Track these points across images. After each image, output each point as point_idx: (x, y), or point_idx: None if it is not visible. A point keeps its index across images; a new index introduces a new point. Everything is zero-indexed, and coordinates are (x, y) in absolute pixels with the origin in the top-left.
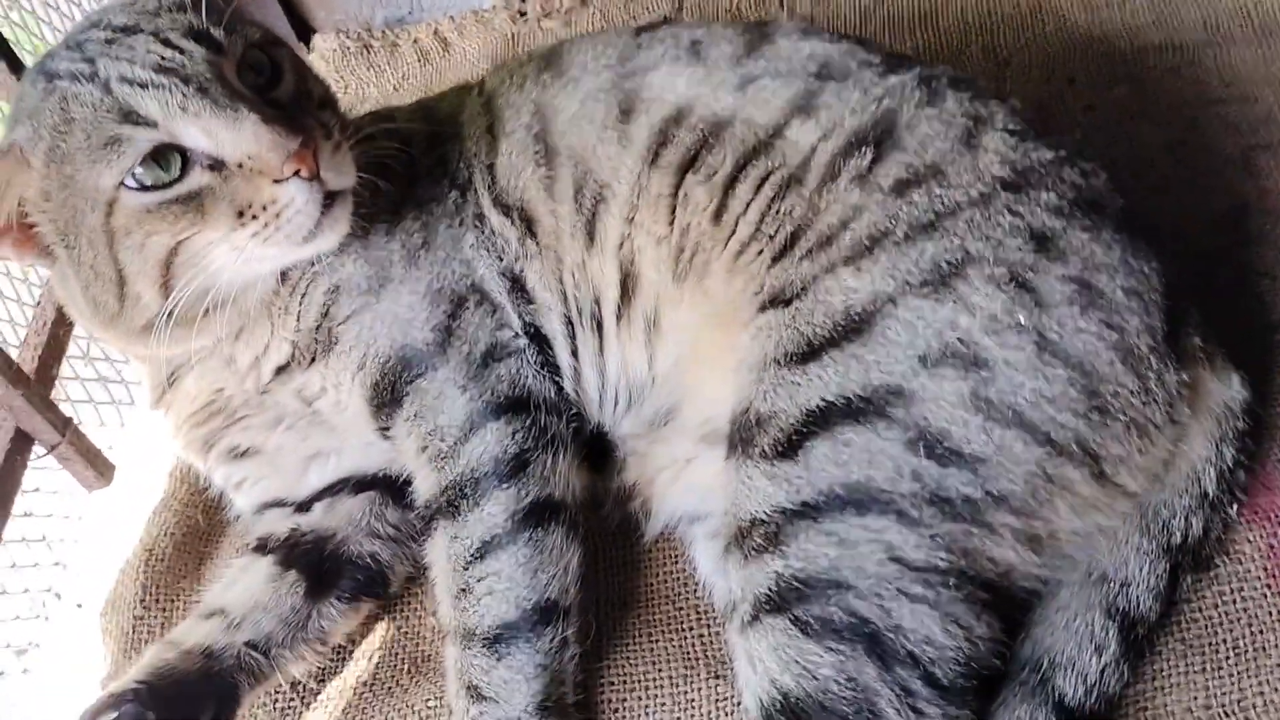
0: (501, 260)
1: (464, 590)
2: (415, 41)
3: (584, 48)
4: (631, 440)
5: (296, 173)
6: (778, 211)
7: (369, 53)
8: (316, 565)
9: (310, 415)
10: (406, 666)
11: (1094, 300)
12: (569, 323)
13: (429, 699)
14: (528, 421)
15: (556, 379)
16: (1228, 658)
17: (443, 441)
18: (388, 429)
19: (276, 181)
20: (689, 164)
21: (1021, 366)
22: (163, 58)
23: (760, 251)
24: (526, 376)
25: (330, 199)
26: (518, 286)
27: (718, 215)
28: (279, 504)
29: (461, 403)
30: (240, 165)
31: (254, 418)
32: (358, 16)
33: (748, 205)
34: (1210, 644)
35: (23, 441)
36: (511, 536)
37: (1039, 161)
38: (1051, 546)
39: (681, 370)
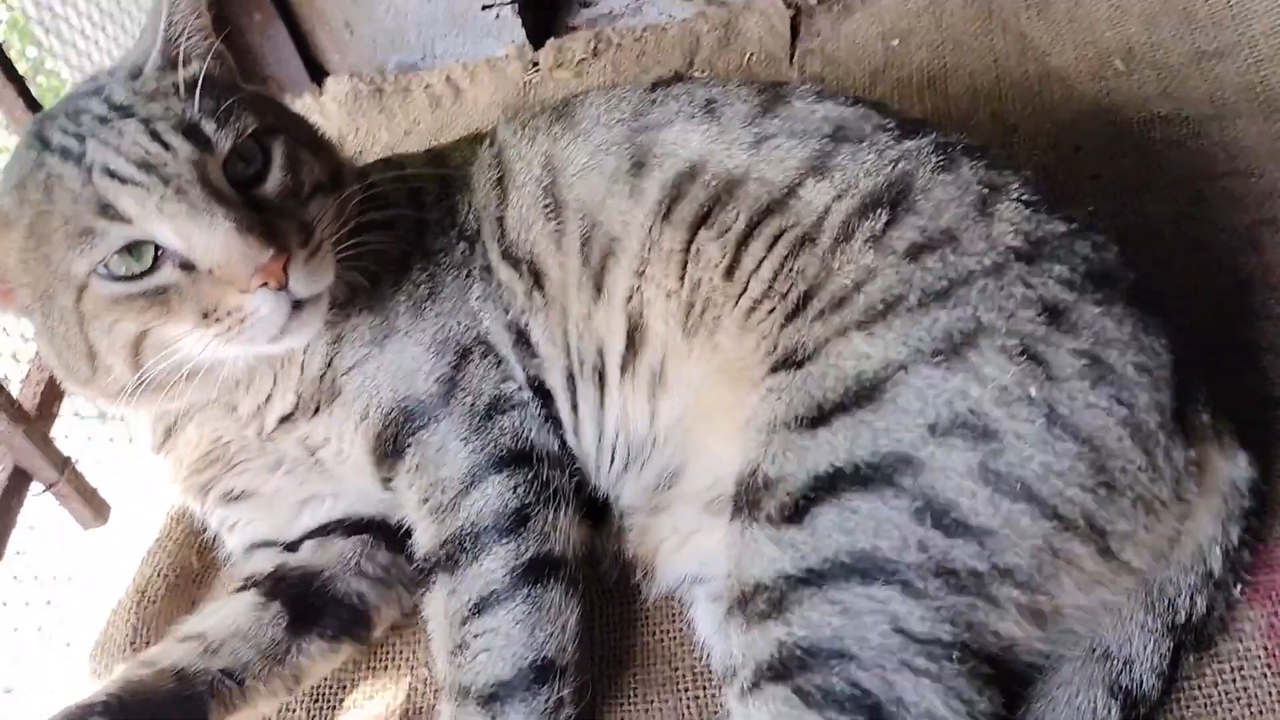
0: (508, 313)
1: (460, 646)
2: (427, 87)
3: (597, 102)
4: (631, 514)
5: (265, 283)
6: (791, 270)
7: (381, 96)
8: (301, 599)
9: (312, 462)
10: (399, 718)
11: (1104, 375)
12: (570, 376)
13: None
14: (529, 475)
15: (560, 432)
16: None
17: (443, 494)
18: (390, 480)
19: (244, 290)
20: (702, 220)
21: (1031, 439)
22: (147, 152)
23: (772, 310)
24: (530, 430)
25: (300, 304)
26: (523, 339)
27: (730, 272)
28: (268, 544)
29: (463, 455)
30: (210, 270)
31: (253, 461)
32: (371, 61)
33: (760, 262)
34: None
35: (20, 479)
36: (509, 593)
37: (1052, 233)
38: (1056, 621)
39: (686, 428)
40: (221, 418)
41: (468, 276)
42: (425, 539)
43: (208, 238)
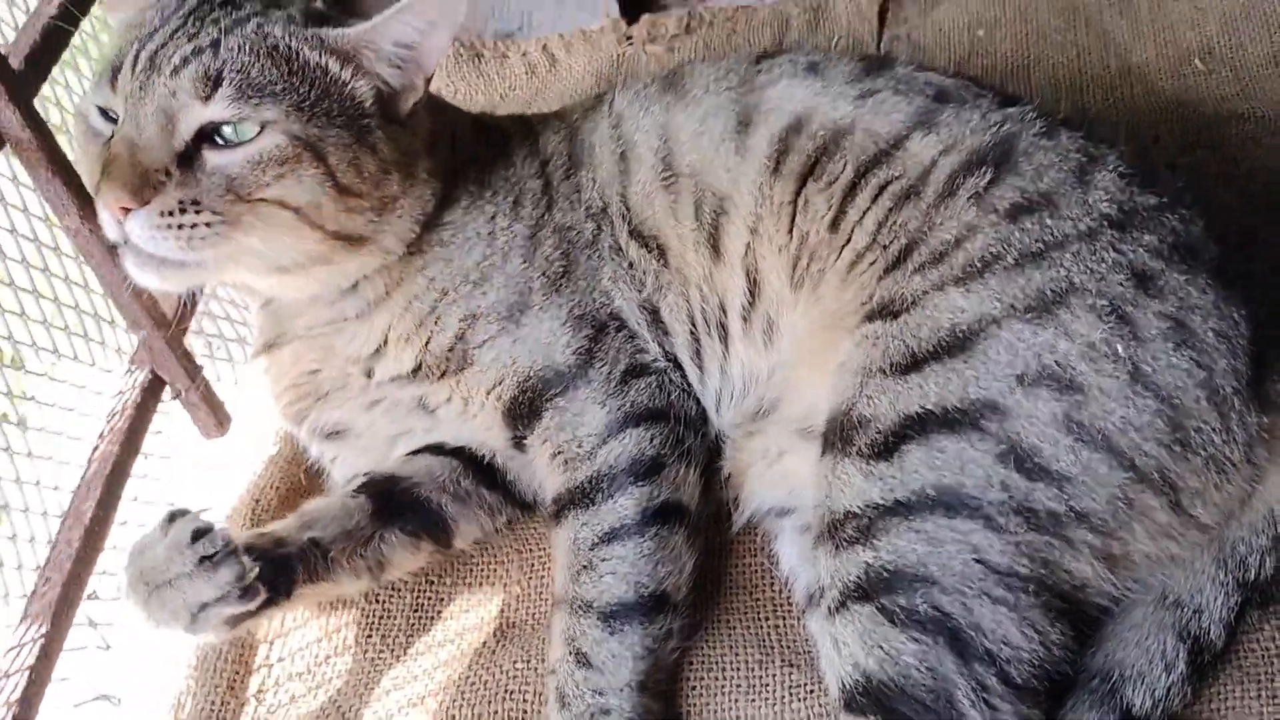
0: (640, 293)
1: (586, 567)
2: (524, 55)
3: (705, 72)
4: (730, 429)
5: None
6: (894, 223)
7: (479, 61)
8: (387, 495)
9: (418, 409)
10: (493, 630)
11: (1186, 339)
12: (695, 339)
13: (516, 660)
14: (665, 431)
15: (697, 398)
16: None
17: (579, 447)
18: (523, 438)
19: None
20: (809, 171)
21: (1114, 394)
22: (175, 57)
23: (873, 262)
24: (670, 393)
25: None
26: (656, 319)
27: (835, 223)
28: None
29: (600, 415)
30: (108, 143)
31: (349, 399)
32: (470, 27)
33: (865, 214)
34: (1266, 674)
35: (157, 384)
36: (639, 529)
37: (1144, 205)
38: (1126, 567)
39: (786, 370)
40: (316, 351)
41: (598, 257)
42: (556, 484)
43: (126, 119)
